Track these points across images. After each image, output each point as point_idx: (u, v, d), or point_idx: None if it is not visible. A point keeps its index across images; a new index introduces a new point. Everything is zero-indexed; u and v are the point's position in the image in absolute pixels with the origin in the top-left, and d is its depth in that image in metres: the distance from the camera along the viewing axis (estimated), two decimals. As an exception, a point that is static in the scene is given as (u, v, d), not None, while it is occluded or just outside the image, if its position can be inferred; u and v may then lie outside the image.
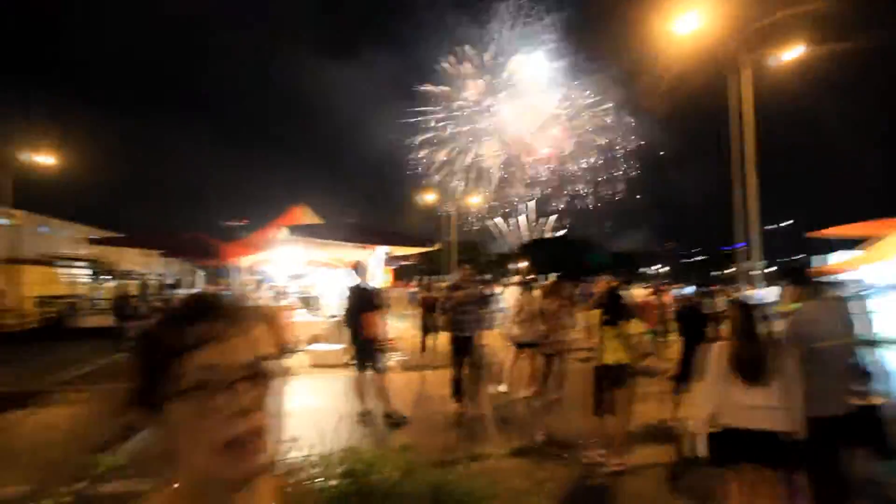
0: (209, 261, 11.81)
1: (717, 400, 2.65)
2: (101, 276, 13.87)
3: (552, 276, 15.59)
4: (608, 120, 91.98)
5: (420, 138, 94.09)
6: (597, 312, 4.30)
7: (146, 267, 22.18)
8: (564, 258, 59.17)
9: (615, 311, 4.15)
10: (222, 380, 0.53)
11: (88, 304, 12.71)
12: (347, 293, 5.46)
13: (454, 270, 25.29)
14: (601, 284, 5.02)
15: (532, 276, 6.58)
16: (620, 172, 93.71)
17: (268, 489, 0.61)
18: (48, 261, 12.67)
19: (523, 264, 54.65)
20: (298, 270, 12.79)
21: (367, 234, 8.41)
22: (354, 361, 5.33)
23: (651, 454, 4.39)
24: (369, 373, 5.25)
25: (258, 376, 0.55)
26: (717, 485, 2.70)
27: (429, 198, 50.02)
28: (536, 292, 6.81)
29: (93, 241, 12.94)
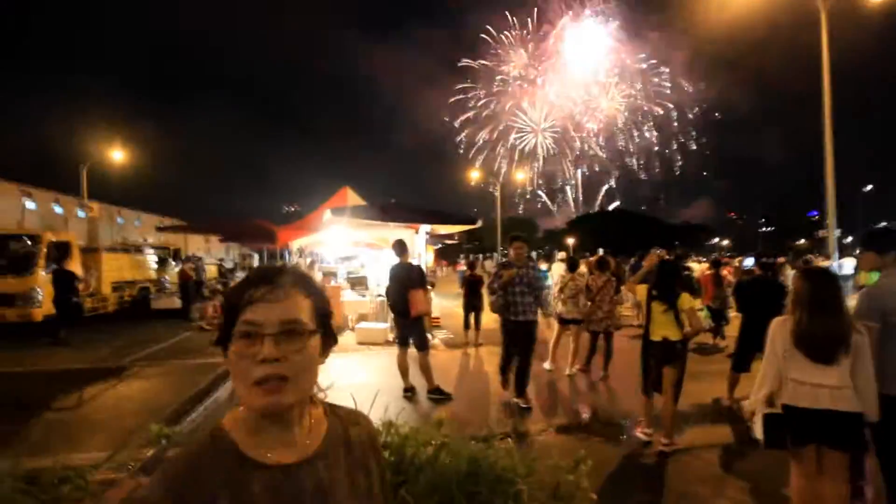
0: (264, 244, 12.40)
1: (777, 378, 2.44)
2: (169, 261, 14.92)
3: (600, 252, 15.08)
4: (666, 83, 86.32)
5: (465, 115, 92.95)
6: (644, 287, 4.12)
7: (207, 252, 23.71)
8: (615, 233, 57.02)
9: (664, 285, 3.93)
10: (258, 333, 0.67)
11: (158, 287, 13.77)
12: (389, 272, 5.51)
13: (501, 248, 25.08)
14: (651, 258, 4.79)
15: (576, 252, 6.32)
16: (679, 140, 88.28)
17: (315, 423, 0.78)
18: (123, 248, 13.78)
19: (571, 240, 53.27)
20: (347, 252, 13.18)
21: (409, 214, 8.44)
22: (397, 339, 5.42)
23: (703, 435, 4.18)
24: (412, 350, 5.32)
25: (292, 333, 0.68)
26: (773, 468, 2.51)
27: (474, 175, 49.57)
28: (582, 268, 6.60)
29: (160, 229, 13.92)
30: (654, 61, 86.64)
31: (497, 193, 34.17)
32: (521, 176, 53.20)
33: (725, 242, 66.61)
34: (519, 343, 4.91)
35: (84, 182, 17.25)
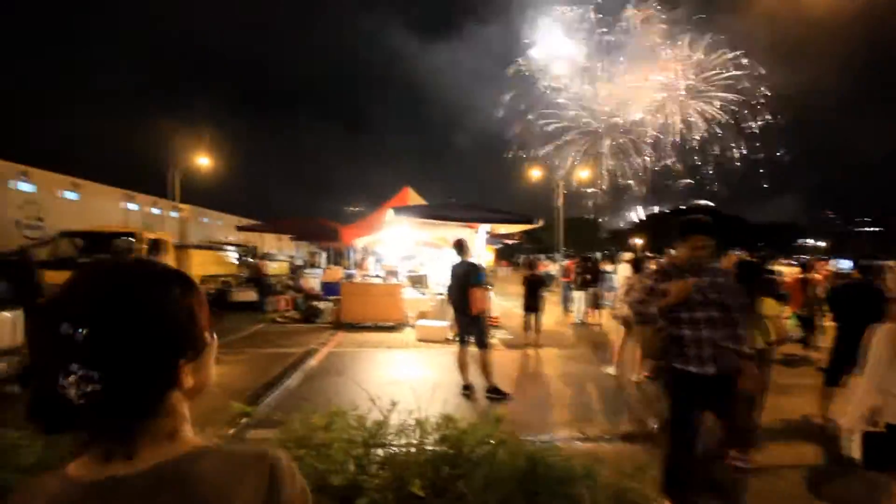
0: (330, 243, 13.02)
1: (878, 394, 2.18)
2: (247, 258, 16.13)
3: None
4: (744, 70, 79.71)
5: (525, 112, 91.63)
6: None
7: (280, 249, 25.29)
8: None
9: (743, 289, 3.64)
10: None
11: (238, 281, 14.92)
12: (451, 270, 5.57)
13: (562, 248, 24.41)
14: (730, 259, 4.48)
15: (644, 253, 5.96)
16: (756, 130, 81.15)
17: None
18: (207, 245, 15.08)
19: (639, 241, 50.65)
20: (409, 251, 13.50)
21: (468, 213, 8.47)
22: (457, 336, 5.46)
23: (790, 453, 3.82)
24: (472, 348, 5.34)
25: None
26: (872, 492, 2.24)
27: (535, 174, 48.65)
28: (651, 269, 6.26)
29: (239, 229, 15.05)
30: (730, 52, 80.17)
31: (559, 192, 33.29)
32: (584, 174, 51.35)
33: (821, 244, 60.01)
34: (705, 409, 2.83)
35: (176, 186, 19.14)
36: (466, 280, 5.25)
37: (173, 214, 19.32)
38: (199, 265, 12.86)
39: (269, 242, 25.59)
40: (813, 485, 3.30)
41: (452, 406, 4.88)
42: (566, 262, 14.06)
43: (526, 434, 4.06)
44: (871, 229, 72.78)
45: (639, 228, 63.53)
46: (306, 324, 10.65)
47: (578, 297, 11.00)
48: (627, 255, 10.48)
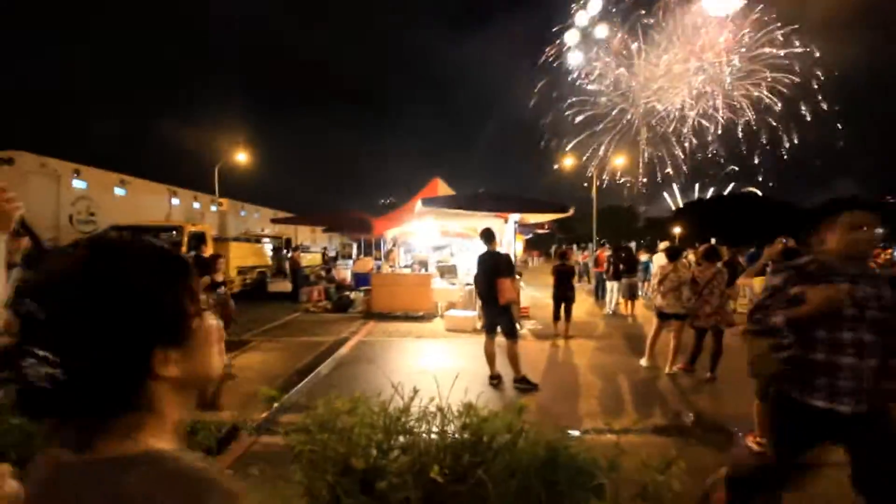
0: (362, 234, 13.24)
1: None
2: (282, 250, 16.61)
3: (712, 241, 13.65)
4: (793, 47, 74.90)
5: (559, 100, 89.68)
6: (762, 280, 3.65)
7: (314, 241, 25.89)
8: (732, 220, 50.95)
9: None
10: None
11: (273, 272, 15.41)
12: (478, 260, 5.55)
13: (595, 238, 23.85)
14: (774, 247, 4.27)
15: (683, 243, 5.71)
16: (808, 111, 76.29)
17: None
18: (245, 238, 15.63)
19: (677, 230, 48.82)
20: (439, 241, 13.54)
21: (497, 203, 8.39)
22: (485, 326, 5.45)
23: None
24: (500, 338, 5.32)
25: None
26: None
27: (568, 163, 47.59)
28: (689, 258, 6.04)
29: (274, 221, 15.51)
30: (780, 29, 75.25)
31: (593, 180, 32.44)
32: (620, 161, 49.74)
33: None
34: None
35: (216, 181, 19.90)
36: (494, 270, 5.21)
37: (213, 208, 20.10)
38: (238, 257, 13.36)
39: (302, 234, 26.23)
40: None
41: (478, 395, 4.88)
42: (598, 252, 13.71)
43: (553, 424, 4.04)
44: (938, 215, 67.33)
45: (677, 217, 61.14)
46: (338, 313, 10.91)
47: (611, 287, 10.75)
48: (664, 245, 10.12)
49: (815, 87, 76.66)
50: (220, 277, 6.10)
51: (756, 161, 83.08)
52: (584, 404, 4.70)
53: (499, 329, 5.30)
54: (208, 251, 11.58)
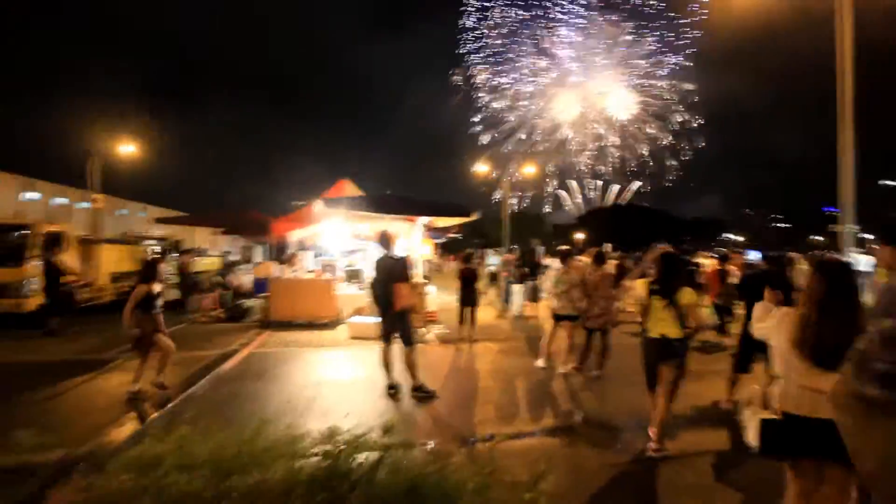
0: (260, 236, 12.29)
1: (775, 379, 2.18)
2: (171, 254, 14.87)
3: (608, 247, 14.73)
4: (673, 76, 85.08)
5: (475, 102, 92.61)
6: (644, 282, 3.87)
7: (214, 244, 23.74)
8: (625, 228, 56.19)
9: (665, 279, 3.70)
10: None
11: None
12: (374, 264, 5.29)
13: (510, 245, 24.72)
14: (653, 252, 4.57)
15: (568, 247, 5.96)
16: (685, 135, 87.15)
17: None
18: (122, 239, 13.76)
19: (580, 235, 52.66)
20: (350, 245, 13.00)
21: (403, 205, 8.20)
22: (381, 333, 5.19)
23: (698, 440, 3.91)
24: (398, 345, 5.10)
25: None
26: (770, 479, 2.24)
27: (482, 168, 49.05)
28: (581, 262, 6.31)
29: (159, 221, 13.85)
30: (659, 55, 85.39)
31: (504, 187, 33.80)
32: (530, 170, 52.60)
33: (740, 238, 65.25)
34: None
35: (95, 174, 17.27)
36: (390, 275, 4.99)
37: (84, 205, 17.45)
38: (111, 261, 11.66)
39: (202, 237, 23.92)
40: (717, 472, 3.36)
41: (372, 407, 4.64)
42: (505, 256, 14.12)
43: (421, 440, 3.90)
44: (783, 225, 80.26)
45: (580, 224, 66.03)
46: (232, 323, 9.96)
47: (517, 290, 11.07)
48: (563, 248, 10.65)
49: (690, 107, 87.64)
50: (157, 288, 5.27)
51: (632, 169, 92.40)
52: (480, 410, 4.65)
53: (396, 336, 5.08)
54: (66, 255, 9.97)
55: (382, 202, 8.19)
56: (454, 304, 8.70)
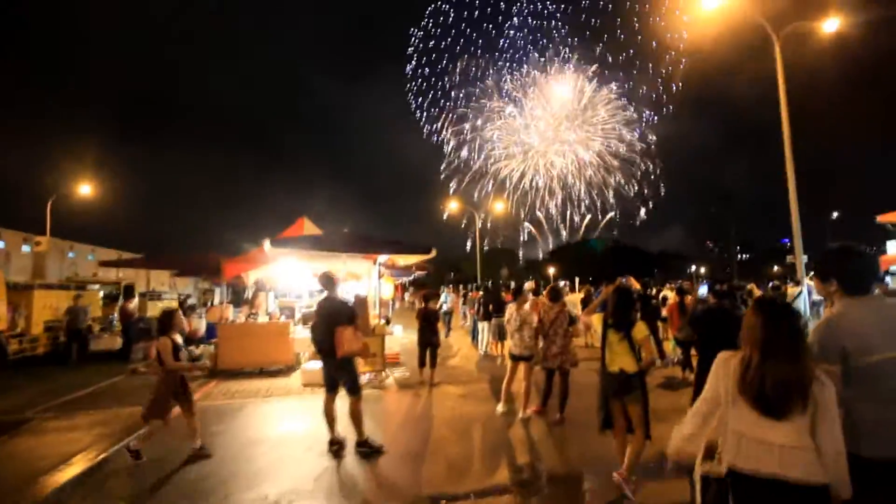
0: (212, 278, 11.70)
1: (711, 421, 1.97)
2: (120, 298, 14.00)
3: (561, 282, 14.70)
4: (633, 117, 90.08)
5: (447, 145, 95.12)
6: (599, 316, 3.80)
7: (173, 287, 22.67)
8: (595, 262, 57.23)
9: (620, 313, 3.69)
10: None
11: (104, 326, 12.80)
12: (315, 307, 4.95)
13: (485, 279, 24.60)
14: (608, 286, 4.49)
15: (514, 283, 5.79)
16: (649, 171, 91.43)
17: None
18: (60, 285, 12.87)
19: (552, 270, 53.25)
20: (313, 285, 12.51)
21: (359, 243, 7.93)
22: (324, 382, 4.78)
23: (662, 494, 3.62)
24: (343, 394, 4.69)
25: None
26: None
27: (453, 206, 49.64)
28: (538, 300, 6.13)
29: (103, 264, 13.10)
30: (620, 99, 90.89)
31: (477, 224, 34.10)
32: (500, 206, 53.56)
33: (703, 270, 67.41)
34: None
35: (47, 216, 16.36)
36: (333, 318, 4.64)
37: (26, 248, 16.44)
38: (47, 308, 10.81)
39: (157, 279, 22.86)
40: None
41: (309, 469, 4.15)
42: (472, 293, 13.91)
43: (385, 498, 3.51)
44: (743, 256, 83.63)
45: (552, 259, 66.96)
46: (177, 373, 9.22)
47: (482, 328, 10.78)
48: (529, 285, 10.52)
49: (650, 149, 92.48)
50: (179, 339, 4.64)
51: (614, 212, 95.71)
52: (430, 466, 4.24)
53: (339, 385, 4.69)
54: (-3, 303, 9.16)
55: (337, 240, 7.89)
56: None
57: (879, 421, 1.78)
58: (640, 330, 3.63)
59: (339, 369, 4.67)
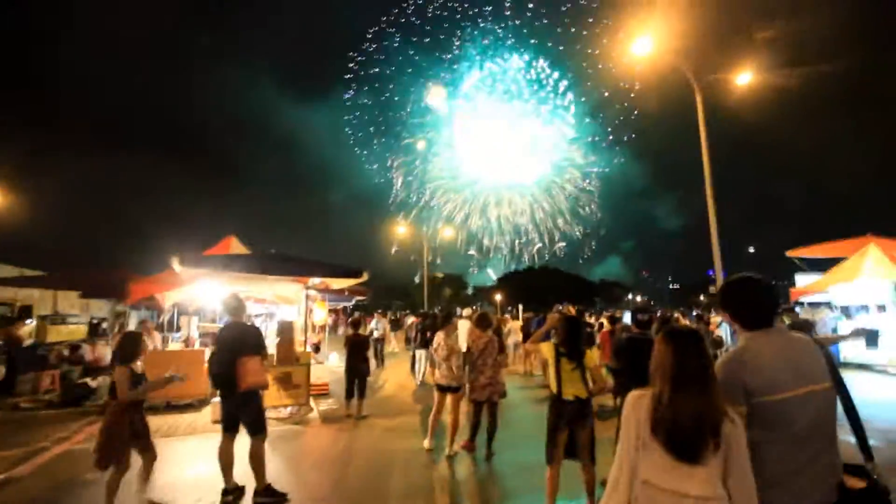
0: (119, 298, 10.54)
1: (629, 483, 1.74)
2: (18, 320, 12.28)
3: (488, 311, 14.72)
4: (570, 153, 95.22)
5: (394, 173, 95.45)
6: (549, 345, 3.84)
7: (85, 308, 20.43)
8: (539, 289, 58.51)
9: (571, 341, 3.73)
10: None
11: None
12: (217, 335, 4.40)
13: (434, 304, 24.15)
14: (553, 315, 4.44)
15: (502, 309, 5.57)
16: (586, 206, 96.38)
17: None
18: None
19: (498, 297, 53.79)
20: (254, 309, 11.58)
21: (284, 265, 7.39)
22: (221, 421, 4.20)
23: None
24: (242, 436, 4.13)
25: None
26: None
27: (401, 231, 49.24)
28: (465, 326, 5.89)
29: (-8, 282, 11.54)
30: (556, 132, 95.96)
31: (424, 251, 33.91)
32: (448, 233, 53.88)
33: (639, 298, 70.93)
34: None
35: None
36: (236, 347, 4.12)
37: None
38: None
39: (67, 300, 20.56)
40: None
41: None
42: (412, 320, 13.52)
43: None
44: (674, 286, 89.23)
45: (499, 285, 67.83)
46: (67, 408, 8.04)
47: (419, 356, 10.39)
48: (466, 311, 10.31)
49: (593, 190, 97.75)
50: (139, 368, 3.84)
51: (557, 240, 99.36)
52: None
53: (238, 424, 4.13)
54: None
55: (256, 261, 7.31)
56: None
57: (788, 467, 1.63)
58: (592, 358, 3.73)
59: (241, 406, 4.11)
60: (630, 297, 70.18)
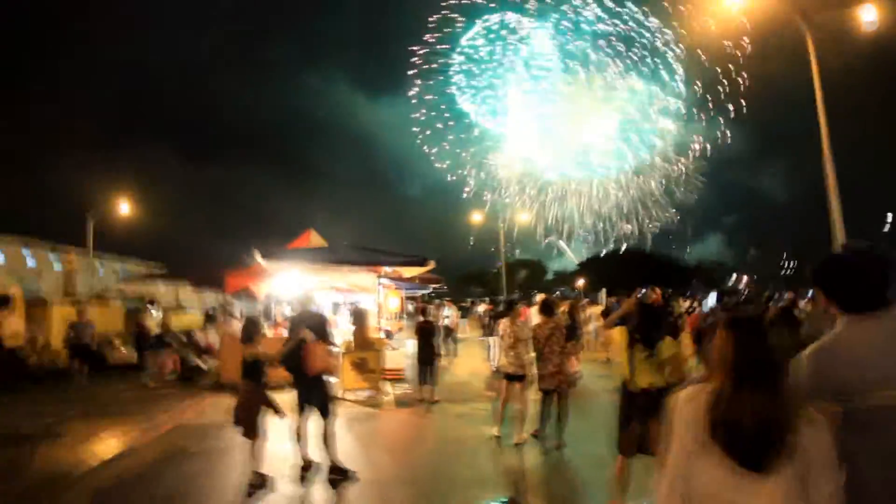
0: (219, 290, 11.77)
1: (678, 493, 1.51)
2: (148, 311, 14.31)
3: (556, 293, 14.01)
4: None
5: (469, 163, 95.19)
6: (622, 330, 3.62)
7: (200, 300, 23.23)
8: (625, 274, 55.28)
9: (645, 328, 3.48)
10: None
11: (126, 340, 13.04)
12: (289, 322, 4.70)
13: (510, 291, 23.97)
14: (630, 300, 4.17)
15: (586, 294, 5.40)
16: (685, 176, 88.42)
17: None
18: (73, 300, 13.28)
19: (581, 282, 51.77)
20: (334, 297, 12.36)
21: (354, 255, 7.69)
22: (297, 402, 4.49)
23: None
24: (315, 416, 4.39)
25: None
26: None
27: (476, 219, 49.17)
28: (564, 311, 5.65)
29: (124, 280, 13.44)
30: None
31: (501, 237, 33.53)
32: (525, 217, 52.54)
33: (744, 279, 63.92)
34: None
35: (90, 234, 16.97)
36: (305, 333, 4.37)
37: (57, 265, 17.20)
38: (66, 323, 11.08)
39: (184, 292, 23.50)
40: None
41: (275, 497, 3.82)
42: (484, 307, 13.45)
43: None
44: (790, 265, 79.11)
45: (581, 270, 65.22)
46: (183, 387, 9.19)
47: (492, 342, 10.31)
48: (540, 297, 9.99)
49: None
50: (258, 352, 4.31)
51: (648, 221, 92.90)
52: (400, 495, 3.86)
53: (312, 406, 4.38)
54: (14, 316, 9.45)
55: (330, 253, 7.70)
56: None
57: (892, 488, 1.30)
58: (668, 347, 3.40)
59: (311, 388, 4.37)
60: (734, 277, 63.44)
